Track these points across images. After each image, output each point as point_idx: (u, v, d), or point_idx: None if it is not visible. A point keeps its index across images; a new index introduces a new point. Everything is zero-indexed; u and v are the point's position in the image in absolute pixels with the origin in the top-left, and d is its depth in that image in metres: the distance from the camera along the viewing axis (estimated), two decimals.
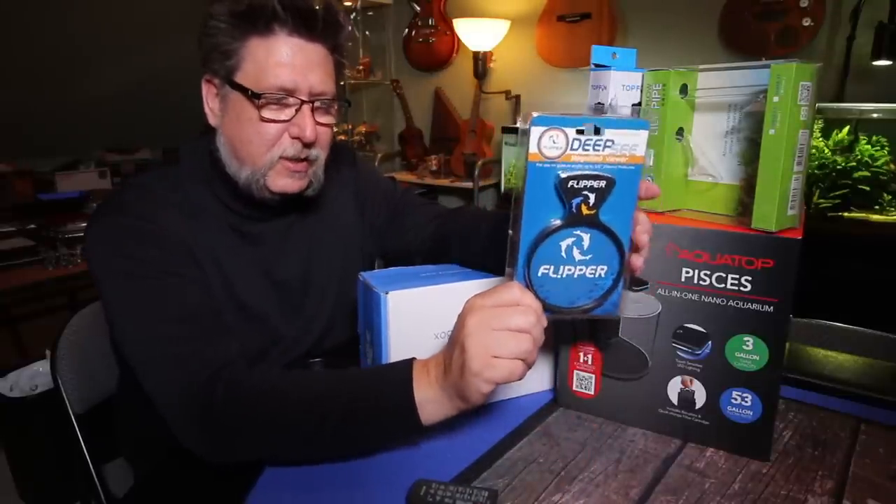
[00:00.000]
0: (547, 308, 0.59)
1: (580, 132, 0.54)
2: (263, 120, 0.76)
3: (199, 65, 0.80)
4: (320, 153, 0.81)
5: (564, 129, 0.54)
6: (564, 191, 0.56)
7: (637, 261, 0.63)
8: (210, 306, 0.74)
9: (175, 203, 0.79)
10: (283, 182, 0.80)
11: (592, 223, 0.57)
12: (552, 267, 0.58)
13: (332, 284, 0.93)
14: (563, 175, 0.55)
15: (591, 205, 0.56)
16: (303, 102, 0.76)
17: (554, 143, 0.54)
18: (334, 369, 0.68)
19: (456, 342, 0.59)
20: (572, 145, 0.55)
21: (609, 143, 0.55)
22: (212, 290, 0.78)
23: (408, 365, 0.63)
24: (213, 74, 0.78)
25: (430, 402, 0.61)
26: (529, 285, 0.59)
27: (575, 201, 0.56)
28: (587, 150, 0.55)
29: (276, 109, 0.76)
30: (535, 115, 0.54)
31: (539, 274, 0.58)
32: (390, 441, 0.68)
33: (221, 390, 0.65)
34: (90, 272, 0.75)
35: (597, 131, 0.55)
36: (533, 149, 0.54)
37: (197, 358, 0.68)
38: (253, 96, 0.75)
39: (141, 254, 0.73)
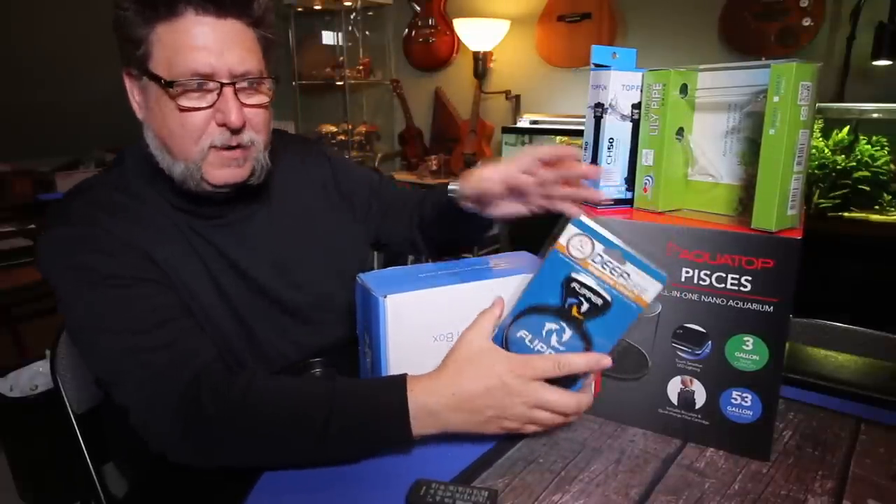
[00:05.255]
0: None
1: (607, 252, 0.61)
2: (182, 109, 0.70)
3: None
4: (255, 136, 0.75)
5: (594, 241, 0.61)
6: (566, 288, 0.63)
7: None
8: (176, 309, 0.71)
9: (123, 207, 0.75)
10: (222, 173, 0.74)
11: (576, 327, 0.63)
12: (529, 335, 0.66)
13: (312, 281, 0.89)
14: (573, 275, 0.62)
15: (581, 311, 0.63)
16: (223, 85, 0.71)
17: (581, 248, 0.62)
18: (323, 378, 0.67)
19: (491, 397, 0.63)
20: (594, 258, 0.61)
21: (625, 275, 0.61)
22: (175, 294, 0.74)
23: (401, 388, 0.64)
24: (130, 65, 0.73)
25: (426, 417, 0.64)
26: (505, 338, 0.67)
27: (570, 301, 0.63)
28: (605, 269, 0.61)
29: (196, 97, 0.70)
30: (579, 217, 0.62)
31: (517, 335, 0.66)
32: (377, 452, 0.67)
33: (207, 399, 0.63)
34: (46, 283, 0.70)
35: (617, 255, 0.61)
36: (563, 241, 0.62)
37: (173, 366, 0.65)
38: (167, 85, 0.69)
39: (94, 262, 0.69)
